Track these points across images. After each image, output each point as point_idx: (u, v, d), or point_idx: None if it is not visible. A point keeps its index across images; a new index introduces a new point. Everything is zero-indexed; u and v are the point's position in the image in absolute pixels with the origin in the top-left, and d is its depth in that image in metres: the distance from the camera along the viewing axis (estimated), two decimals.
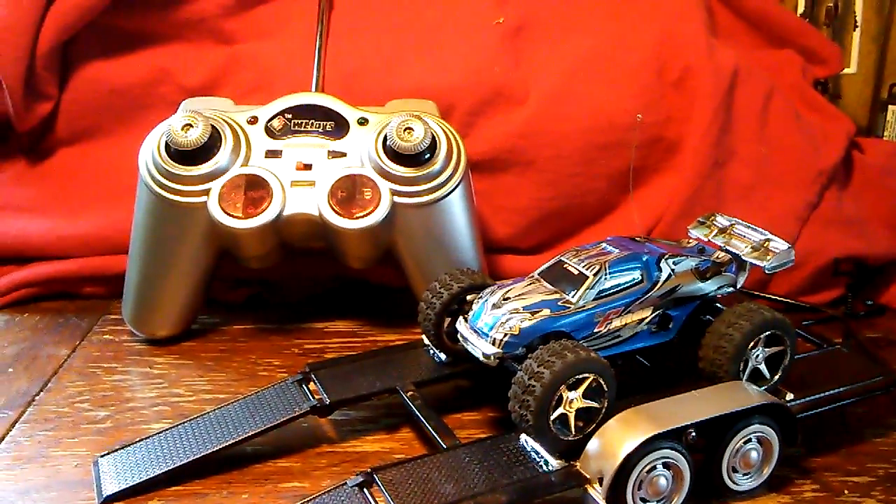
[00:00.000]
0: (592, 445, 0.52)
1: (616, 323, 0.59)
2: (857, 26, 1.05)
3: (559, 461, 0.52)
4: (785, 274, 0.80)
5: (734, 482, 0.56)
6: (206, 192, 0.72)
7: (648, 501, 0.53)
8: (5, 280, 0.85)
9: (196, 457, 0.57)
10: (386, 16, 0.90)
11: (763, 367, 0.59)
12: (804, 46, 0.98)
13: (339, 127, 0.77)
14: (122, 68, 0.89)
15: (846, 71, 1.05)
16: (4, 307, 0.85)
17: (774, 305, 0.64)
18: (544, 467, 0.52)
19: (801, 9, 1.04)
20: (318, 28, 0.88)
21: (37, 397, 0.68)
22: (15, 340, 0.78)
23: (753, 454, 0.56)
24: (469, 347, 0.59)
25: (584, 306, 0.57)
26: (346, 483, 0.51)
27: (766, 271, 0.62)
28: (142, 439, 0.60)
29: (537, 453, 0.53)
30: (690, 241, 0.66)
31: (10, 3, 0.84)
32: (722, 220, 0.67)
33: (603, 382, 0.53)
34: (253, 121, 0.77)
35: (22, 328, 0.81)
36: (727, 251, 0.64)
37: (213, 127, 0.73)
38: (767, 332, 0.58)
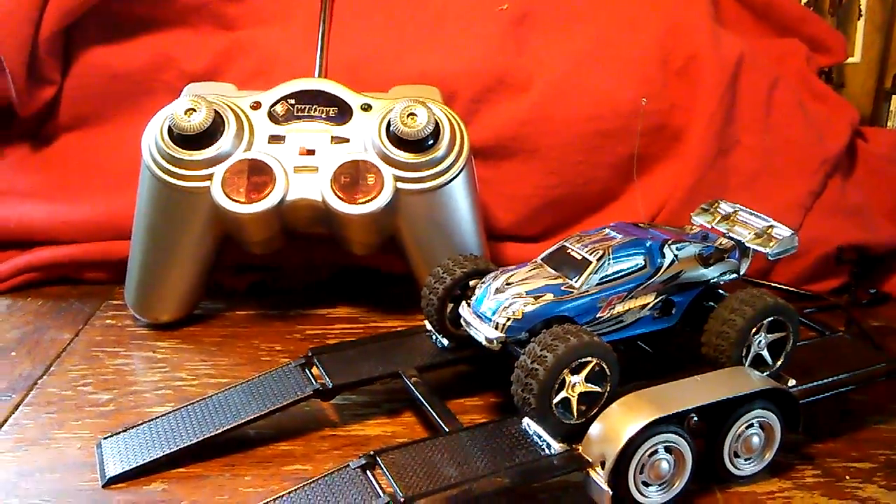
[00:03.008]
0: (595, 429, 0.52)
1: (619, 308, 0.59)
2: (861, 15, 1.05)
3: (561, 445, 0.52)
4: (788, 262, 0.81)
5: (736, 467, 0.56)
6: (209, 177, 0.72)
7: (650, 485, 0.53)
8: (8, 265, 0.85)
9: (199, 439, 0.58)
10: (390, 2, 0.90)
11: (765, 352, 0.59)
12: (809, 35, 0.98)
13: (343, 112, 0.77)
14: (125, 54, 0.89)
15: (850, 60, 1.05)
16: (7, 292, 0.85)
17: (777, 293, 0.64)
18: (546, 451, 0.52)
19: None
20: (321, 14, 0.87)
21: (40, 380, 0.68)
22: (18, 325, 0.78)
23: (755, 439, 0.56)
24: (472, 332, 0.59)
25: (587, 291, 0.57)
26: (348, 465, 0.51)
27: (770, 258, 0.62)
28: (145, 422, 0.60)
29: (539, 437, 0.53)
30: (694, 227, 0.66)
31: None
32: (725, 207, 0.67)
33: (606, 367, 0.53)
34: (256, 106, 0.77)
35: (25, 313, 0.81)
36: (730, 238, 0.64)
37: (216, 112, 0.73)
38: (770, 318, 0.58)
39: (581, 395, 0.52)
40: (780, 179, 0.88)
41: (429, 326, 0.67)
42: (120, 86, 0.89)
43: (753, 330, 0.58)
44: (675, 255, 0.60)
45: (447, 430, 0.56)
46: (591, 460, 0.51)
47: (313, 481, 0.51)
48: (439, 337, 0.66)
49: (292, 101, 0.77)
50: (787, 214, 0.83)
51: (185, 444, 0.57)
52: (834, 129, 0.91)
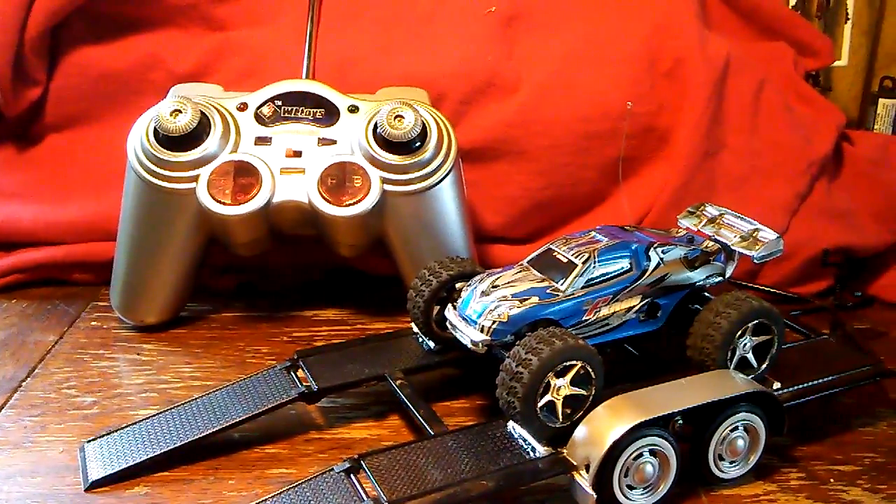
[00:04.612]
0: (579, 432, 0.52)
1: (604, 311, 0.59)
2: (848, 19, 1.05)
3: (546, 448, 0.52)
4: (774, 265, 0.81)
5: (720, 470, 0.56)
6: (195, 179, 0.72)
7: (635, 488, 0.53)
8: None
9: (183, 442, 0.57)
10: (378, 3, 0.90)
11: (750, 355, 0.59)
12: (796, 38, 0.98)
13: (330, 114, 0.77)
14: (112, 54, 0.88)
15: (837, 63, 1.05)
16: None
17: (763, 296, 0.65)
18: (531, 454, 0.52)
19: (792, 1, 1.04)
20: (309, 15, 0.87)
21: (23, 383, 0.68)
22: (2, 326, 0.78)
23: (740, 442, 0.56)
24: (457, 335, 0.59)
25: (572, 294, 0.57)
26: (332, 469, 0.51)
27: (755, 261, 0.62)
28: (128, 425, 0.60)
29: (524, 440, 0.53)
30: (680, 230, 0.67)
31: None
32: (711, 210, 0.67)
33: (590, 370, 0.53)
34: (242, 107, 0.76)
35: (9, 314, 0.80)
36: (716, 240, 0.64)
37: (202, 113, 0.73)
38: (755, 321, 0.58)
39: (566, 398, 0.52)
40: (766, 182, 0.88)
41: (415, 329, 0.67)
42: (107, 86, 0.88)
43: (738, 333, 0.58)
44: (661, 258, 0.60)
45: (432, 433, 0.56)
46: (575, 463, 0.51)
47: (297, 485, 0.51)
48: (426, 339, 0.66)
49: (279, 103, 0.77)
50: (773, 217, 0.83)
51: (169, 448, 0.57)
52: (820, 131, 0.92)
